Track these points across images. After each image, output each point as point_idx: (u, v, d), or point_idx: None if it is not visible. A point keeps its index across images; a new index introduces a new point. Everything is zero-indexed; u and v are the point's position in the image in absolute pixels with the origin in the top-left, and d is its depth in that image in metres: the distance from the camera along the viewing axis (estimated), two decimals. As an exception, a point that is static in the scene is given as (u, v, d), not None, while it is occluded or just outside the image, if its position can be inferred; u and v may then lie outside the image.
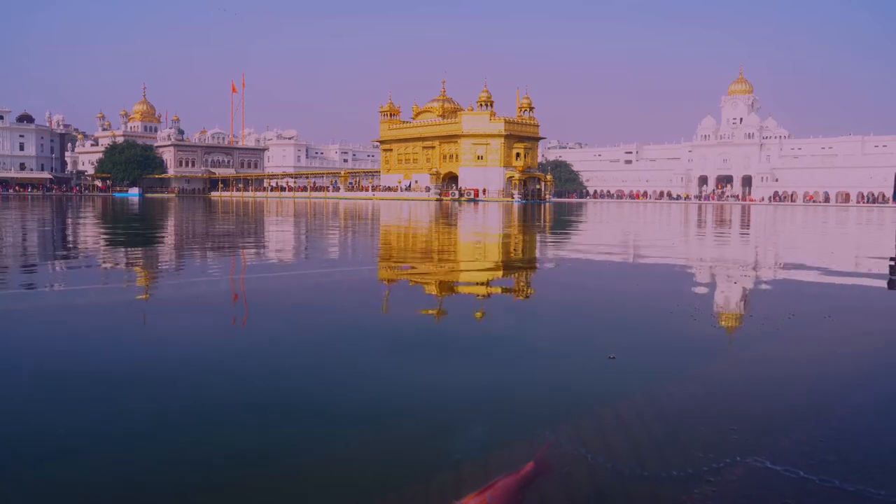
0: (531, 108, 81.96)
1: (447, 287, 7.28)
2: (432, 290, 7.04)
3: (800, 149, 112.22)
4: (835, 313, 5.92)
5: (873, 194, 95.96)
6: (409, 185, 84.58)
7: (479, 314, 5.70)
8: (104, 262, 9.64)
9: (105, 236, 15.71)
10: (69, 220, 22.84)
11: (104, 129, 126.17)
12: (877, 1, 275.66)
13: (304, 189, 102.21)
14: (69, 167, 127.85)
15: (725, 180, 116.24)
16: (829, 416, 3.16)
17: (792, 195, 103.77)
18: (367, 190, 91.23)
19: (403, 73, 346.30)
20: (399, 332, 4.99)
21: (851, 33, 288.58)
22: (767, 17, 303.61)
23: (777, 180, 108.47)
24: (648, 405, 3.25)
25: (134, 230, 18.52)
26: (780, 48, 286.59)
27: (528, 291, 7.29)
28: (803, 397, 3.45)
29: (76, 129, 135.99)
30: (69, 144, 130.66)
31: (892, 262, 11.38)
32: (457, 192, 77.52)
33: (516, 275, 8.77)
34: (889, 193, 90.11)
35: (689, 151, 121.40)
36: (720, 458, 2.53)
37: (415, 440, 2.82)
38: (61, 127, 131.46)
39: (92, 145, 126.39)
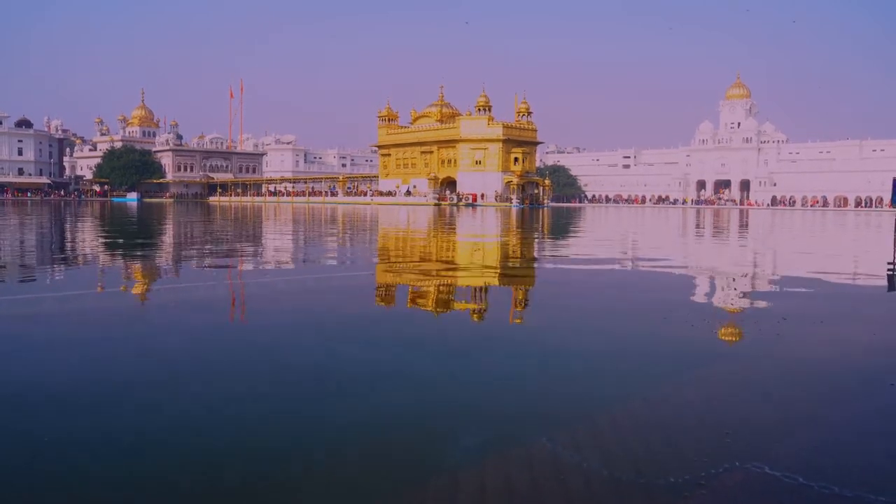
0: (529, 113, 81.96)
1: (438, 299, 7.25)
2: (424, 300, 7.01)
3: (798, 153, 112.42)
4: (830, 319, 5.90)
5: (871, 198, 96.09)
6: (408, 190, 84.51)
7: (473, 322, 5.68)
8: (92, 267, 9.62)
9: (104, 240, 15.67)
10: (69, 225, 22.79)
11: (102, 134, 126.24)
12: (876, 3, 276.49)
13: (303, 194, 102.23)
14: (67, 172, 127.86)
15: (724, 185, 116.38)
16: (827, 421, 3.16)
17: (790, 199, 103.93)
18: (365, 195, 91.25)
19: (402, 78, 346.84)
20: (390, 338, 4.97)
21: (849, 36, 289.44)
22: (765, 20, 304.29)
23: (775, 185, 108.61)
24: (645, 411, 3.26)
25: (133, 234, 18.47)
26: (778, 52, 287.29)
27: (523, 303, 7.25)
28: (800, 403, 3.43)
29: (75, 134, 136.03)
30: (67, 149, 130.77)
31: (890, 268, 11.31)
32: (455, 197, 77.45)
33: (513, 287, 8.74)
34: (887, 198, 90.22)
35: (687, 156, 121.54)
36: (719, 464, 2.54)
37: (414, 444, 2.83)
38: (60, 132, 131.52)
39: (90, 150, 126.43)
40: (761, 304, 6.83)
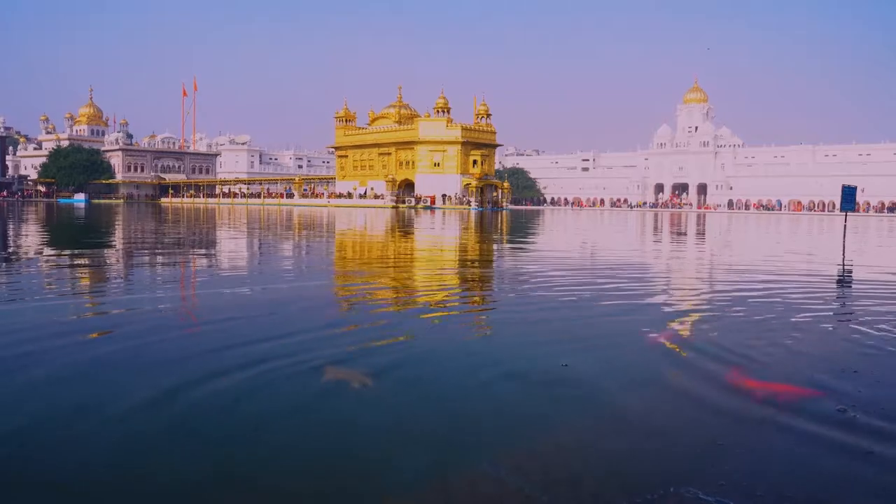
0: (488, 115, 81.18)
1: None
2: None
3: (753, 157, 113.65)
4: (774, 334, 5.51)
5: (824, 203, 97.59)
6: (365, 192, 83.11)
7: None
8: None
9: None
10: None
11: (48, 133, 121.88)
12: (829, 13, 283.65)
13: (258, 195, 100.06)
14: (10, 171, 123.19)
15: (681, 188, 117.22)
16: (758, 446, 3.10)
17: (746, 203, 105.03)
18: (321, 197, 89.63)
19: (359, 78, 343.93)
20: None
21: (803, 43, 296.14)
22: (722, 26, 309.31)
23: (731, 188, 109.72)
24: (583, 436, 3.23)
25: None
26: (735, 57, 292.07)
27: (475, 315, 6.43)
28: (731, 427, 3.35)
29: (18, 132, 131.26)
30: (10, 148, 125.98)
31: (839, 273, 11.43)
32: (413, 200, 76.23)
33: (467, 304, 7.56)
34: (839, 202, 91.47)
35: (646, 159, 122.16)
36: (654, 489, 2.58)
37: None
38: (2, 129, 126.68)
39: (35, 149, 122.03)
40: (696, 318, 5.90)
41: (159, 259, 12.19)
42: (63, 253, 13.24)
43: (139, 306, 6.53)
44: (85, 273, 9.80)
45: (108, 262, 11.71)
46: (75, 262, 11.41)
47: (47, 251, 13.67)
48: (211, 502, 2.51)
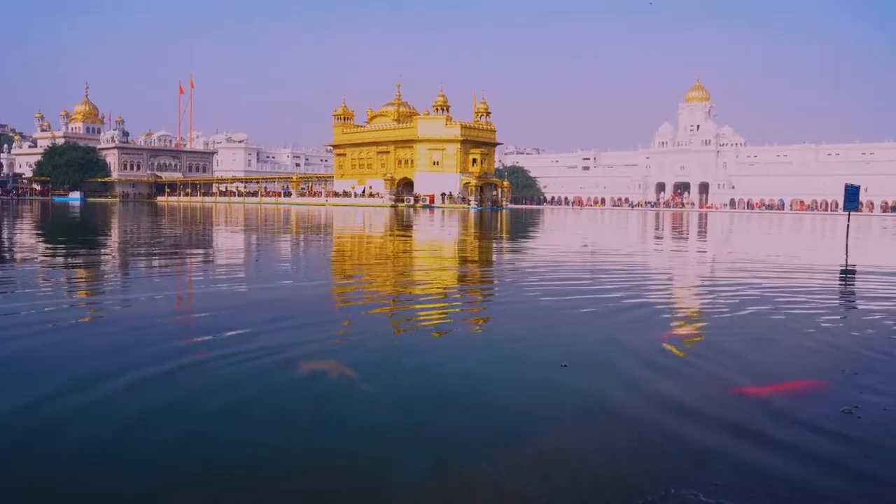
0: (488, 114, 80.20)
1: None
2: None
3: (756, 156, 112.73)
4: (775, 335, 5.49)
5: (827, 202, 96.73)
6: (364, 191, 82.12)
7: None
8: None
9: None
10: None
11: (43, 130, 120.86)
12: (830, 11, 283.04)
13: (255, 194, 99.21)
14: (5, 170, 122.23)
15: (683, 187, 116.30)
16: (758, 447, 3.06)
17: (748, 202, 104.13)
18: (319, 196, 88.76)
19: (358, 76, 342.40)
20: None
21: (804, 41, 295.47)
22: (722, 27, 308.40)
23: (734, 187, 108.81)
24: (582, 437, 3.22)
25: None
26: (737, 55, 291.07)
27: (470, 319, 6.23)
28: (732, 428, 3.30)
29: (13, 130, 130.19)
30: (5, 146, 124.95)
31: (842, 274, 11.35)
32: (412, 199, 75.22)
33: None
34: (841, 201, 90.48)
35: (647, 158, 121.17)
36: (655, 490, 2.57)
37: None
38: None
39: (30, 147, 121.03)
40: (696, 316, 5.75)
41: (154, 258, 11.89)
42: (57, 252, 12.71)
43: (130, 304, 6.58)
44: (79, 271, 9.62)
45: (103, 260, 11.42)
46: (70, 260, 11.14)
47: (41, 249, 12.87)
48: (209, 502, 2.50)
